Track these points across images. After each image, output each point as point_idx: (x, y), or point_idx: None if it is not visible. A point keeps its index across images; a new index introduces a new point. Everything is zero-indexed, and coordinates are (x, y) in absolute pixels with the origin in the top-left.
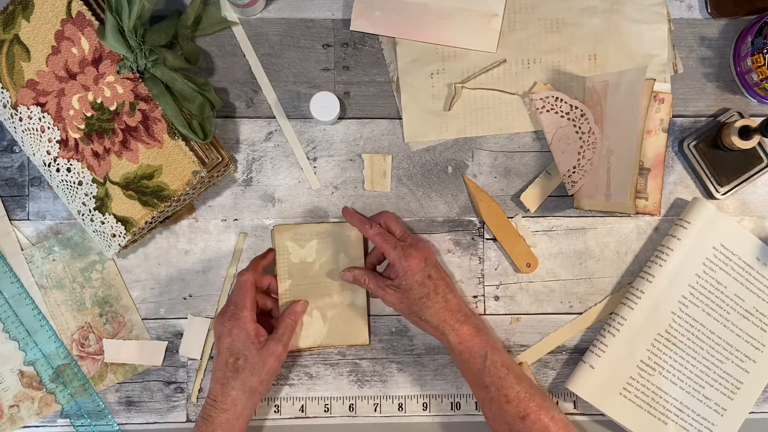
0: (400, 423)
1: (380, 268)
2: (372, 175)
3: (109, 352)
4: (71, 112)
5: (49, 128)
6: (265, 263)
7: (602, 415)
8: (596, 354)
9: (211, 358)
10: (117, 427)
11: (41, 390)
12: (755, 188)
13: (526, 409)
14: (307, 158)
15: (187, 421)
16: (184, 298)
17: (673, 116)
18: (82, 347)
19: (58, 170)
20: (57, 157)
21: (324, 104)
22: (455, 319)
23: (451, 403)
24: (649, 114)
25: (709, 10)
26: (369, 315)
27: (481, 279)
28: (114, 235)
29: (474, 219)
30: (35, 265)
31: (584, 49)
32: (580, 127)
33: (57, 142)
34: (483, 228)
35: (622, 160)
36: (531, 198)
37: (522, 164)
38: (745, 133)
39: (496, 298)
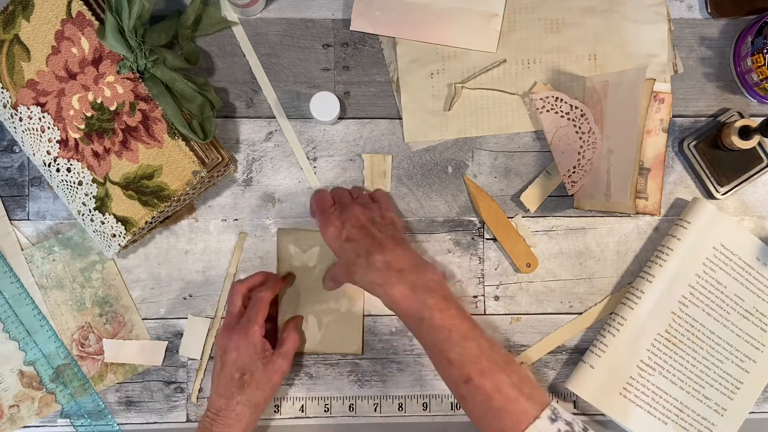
0: (400, 423)
1: None
2: (372, 175)
3: (109, 352)
4: (71, 112)
5: (49, 128)
6: (282, 286)
7: (602, 415)
8: (596, 354)
9: (211, 358)
10: (117, 427)
11: (41, 390)
12: (755, 188)
13: (468, 374)
14: (307, 158)
15: (187, 421)
16: (184, 298)
17: (673, 116)
18: (82, 347)
19: (58, 170)
20: (57, 157)
21: (324, 104)
22: (384, 279)
23: (451, 403)
24: (649, 114)
25: (709, 10)
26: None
27: (481, 279)
28: (114, 235)
29: (474, 219)
30: (35, 265)
31: (584, 49)
32: (580, 127)
33: (57, 142)
34: (483, 228)
35: (622, 160)
36: (531, 198)
37: (522, 164)
38: (745, 133)
39: (496, 298)
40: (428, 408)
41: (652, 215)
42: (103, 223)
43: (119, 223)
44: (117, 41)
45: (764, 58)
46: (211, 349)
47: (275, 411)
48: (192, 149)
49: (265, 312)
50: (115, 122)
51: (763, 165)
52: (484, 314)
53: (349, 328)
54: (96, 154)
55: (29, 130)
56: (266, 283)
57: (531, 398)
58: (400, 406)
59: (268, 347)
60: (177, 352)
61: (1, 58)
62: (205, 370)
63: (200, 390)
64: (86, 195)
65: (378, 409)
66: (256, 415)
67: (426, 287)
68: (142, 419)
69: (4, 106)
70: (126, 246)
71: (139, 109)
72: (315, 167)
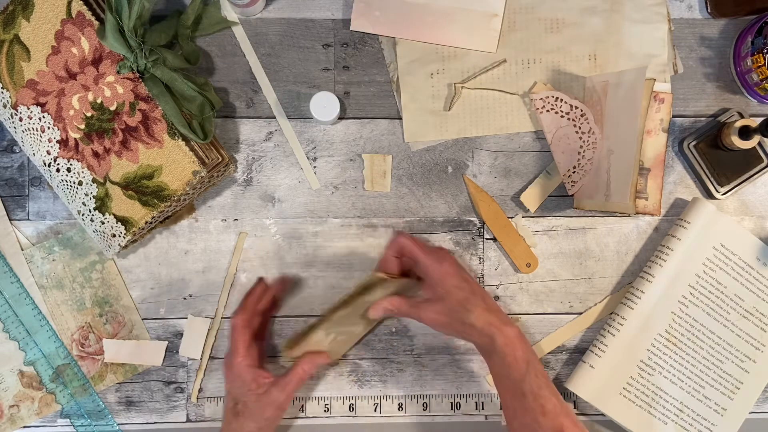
0: (400, 423)
1: None
2: (372, 175)
3: (109, 352)
4: (71, 112)
5: (49, 128)
6: (261, 307)
7: (602, 415)
8: (596, 354)
9: (211, 358)
10: (117, 427)
11: (41, 390)
12: (755, 188)
13: (561, 425)
14: (307, 158)
15: (187, 421)
16: (184, 298)
17: (673, 116)
18: (82, 347)
19: (58, 170)
20: (57, 157)
21: (324, 104)
22: (500, 320)
23: (451, 403)
24: (649, 114)
25: (709, 10)
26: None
27: (481, 279)
28: (114, 235)
29: (474, 219)
30: (35, 265)
31: (584, 49)
32: (580, 127)
33: (57, 142)
34: (483, 228)
35: (622, 160)
36: (531, 198)
37: (522, 164)
38: (745, 133)
39: (496, 298)
40: (428, 408)
41: (652, 215)
42: (103, 223)
43: (119, 223)
44: (117, 41)
45: (764, 58)
46: (211, 349)
47: None
48: (192, 149)
49: (244, 338)
50: (115, 122)
51: (763, 165)
52: None
53: (348, 343)
54: (96, 154)
55: (29, 130)
56: (255, 300)
57: None
58: (400, 406)
59: (264, 375)
60: (177, 352)
61: (1, 58)
62: (205, 370)
63: (200, 390)
64: (86, 195)
65: (378, 409)
66: None
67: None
68: (142, 419)
69: (4, 106)
70: (126, 246)
71: (139, 109)
72: (315, 167)
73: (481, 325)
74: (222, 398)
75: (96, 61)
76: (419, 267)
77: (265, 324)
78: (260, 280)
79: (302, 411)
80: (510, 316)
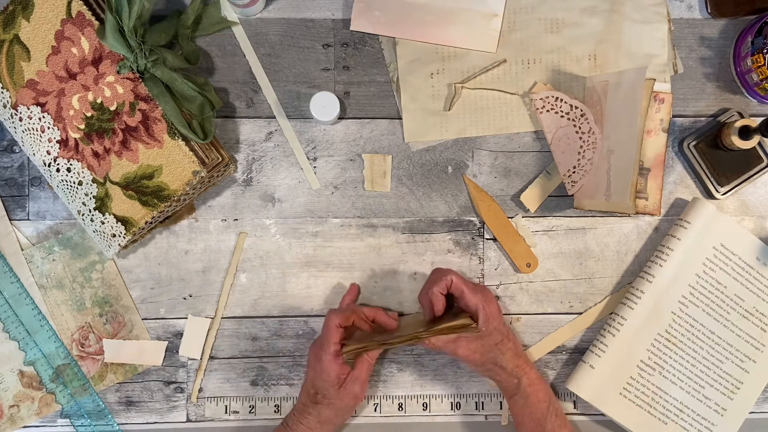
0: (400, 423)
1: None
2: (372, 175)
3: (109, 352)
4: (71, 112)
5: (49, 128)
6: (349, 299)
7: (602, 415)
8: (596, 354)
9: (211, 358)
10: (117, 427)
11: (41, 390)
12: (755, 188)
13: None
14: (307, 158)
15: (187, 421)
16: (184, 298)
17: (673, 116)
18: (82, 347)
19: (58, 170)
20: (57, 157)
21: (324, 104)
22: (526, 363)
23: (451, 403)
24: (649, 114)
25: (709, 10)
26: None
27: (481, 279)
28: (114, 235)
29: (474, 219)
30: (35, 265)
31: (584, 49)
32: (580, 127)
33: (57, 142)
34: (483, 228)
35: (622, 160)
36: (531, 198)
37: (522, 164)
38: (745, 133)
39: (497, 298)
40: (428, 408)
41: (652, 215)
42: (103, 223)
43: (119, 223)
44: (117, 41)
45: (764, 58)
46: (211, 349)
47: (275, 411)
48: (192, 149)
49: (336, 336)
50: (115, 122)
51: (763, 165)
52: None
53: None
54: (96, 154)
55: (29, 130)
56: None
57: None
58: (400, 406)
59: (345, 370)
60: (177, 352)
61: (1, 58)
62: (205, 370)
63: (200, 390)
64: (86, 195)
65: (378, 409)
66: (325, 430)
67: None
68: (142, 419)
69: (4, 106)
70: (126, 246)
71: (139, 109)
72: (315, 167)
73: (511, 367)
74: (222, 398)
75: (96, 61)
76: (464, 302)
77: (352, 328)
78: (355, 285)
79: None
80: (510, 316)
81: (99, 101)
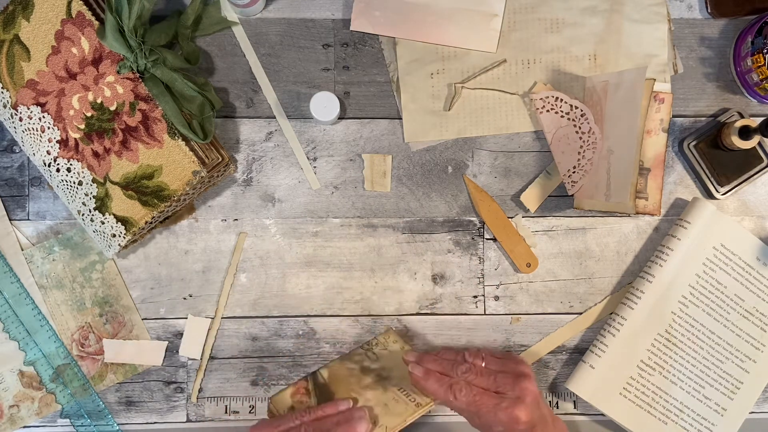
0: None
1: None
2: (372, 175)
3: (109, 352)
4: (71, 112)
5: (49, 128)
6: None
7: (602, 415)
8: (596, 354)
9: (211, 358)
10: (117, 427)
11: (41, 390)
12: (755, 188)
13: None
14: (307, 158)
15: (187, 421)
16: (184, 298)
17: (673, 116)
18: (82, 347)
19: (58, 170)
20: (57, 157)
21: (324, 104)
22: None
23: None
24: (649, 114)
25: (709, 10)
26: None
27: (481, 279)
28: (114, 235)
29: (474, 219)
30: (35, 265)
31: (584, 49)
32: (580, 127)
33: (57, 142)
34: (483, 228)
35: (622, 160)
36: (531, 198)
37: (522, 164)
38: (745, 133)
39: (496, 298)
40: None
41: (652, 215)
42: (103, 223)
43: (119, 223)
44: (117, 41)
45: (764, 58)
46: (212, 350)
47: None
48: (192, 149)
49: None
50: (115, 122)
51: (763, 165)
52: (484, 314)
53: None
54: (96, 154)
55: (29, 130)
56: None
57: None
58: None
59: None
60: (177, 352)
61: (1, 58)
62: (205, 370)
63: (200, 390)
64: (86, 195)
65: None
66: None
67: None
68: (142, 419)
69: (4, 106)
70: (126, 246)
71: (139, 109)
72: (315, 167)
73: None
74: (222, 398)
75: (96, 61)
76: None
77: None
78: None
79: None
80: (510, 316)
81: (99, 101)
